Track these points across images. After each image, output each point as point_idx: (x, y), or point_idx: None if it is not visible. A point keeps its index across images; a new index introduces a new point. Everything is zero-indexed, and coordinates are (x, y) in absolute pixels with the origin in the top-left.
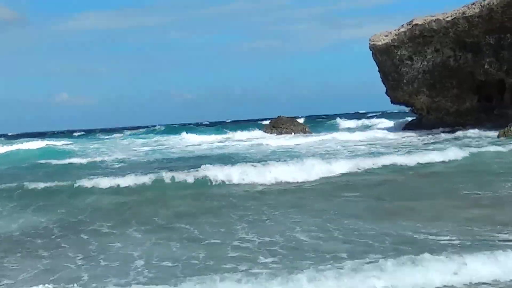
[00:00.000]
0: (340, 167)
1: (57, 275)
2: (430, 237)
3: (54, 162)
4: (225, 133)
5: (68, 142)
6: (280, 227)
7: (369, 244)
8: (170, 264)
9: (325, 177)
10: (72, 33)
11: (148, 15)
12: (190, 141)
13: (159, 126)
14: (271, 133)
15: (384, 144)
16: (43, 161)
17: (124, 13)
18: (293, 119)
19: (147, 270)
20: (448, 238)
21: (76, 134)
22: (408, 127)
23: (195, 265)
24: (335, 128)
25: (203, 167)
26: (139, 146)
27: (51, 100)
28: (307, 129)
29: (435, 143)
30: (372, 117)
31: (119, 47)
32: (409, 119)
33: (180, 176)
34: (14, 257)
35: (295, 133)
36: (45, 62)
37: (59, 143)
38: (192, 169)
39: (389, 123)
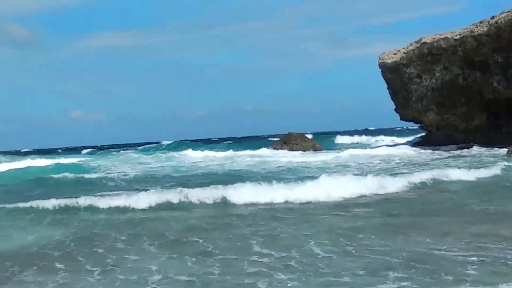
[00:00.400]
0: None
1: None
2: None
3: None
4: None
5: (79, 159)
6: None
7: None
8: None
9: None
10: (85, 52)
11: (161, 34)
12: (198, 157)
13: (165, 142)
14: (281, 149)
15: (402, 161)
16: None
17: (137, 33)
18: (303, 135)
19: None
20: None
21: (85, 150)
22: (418, 143)
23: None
24: (334, 145)
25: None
26: (150, 162)
27: (66, 116)
28: (317, 145)
29: (452, 158)
30: (376, 134)
31: (131, 65)
32: (415, 136)
33: (198, 194)
34: (31, 271)
35: (305, 150)
36: (59, 81)
37: (67, 160)
38: (206, 187)
39: (394, 139)
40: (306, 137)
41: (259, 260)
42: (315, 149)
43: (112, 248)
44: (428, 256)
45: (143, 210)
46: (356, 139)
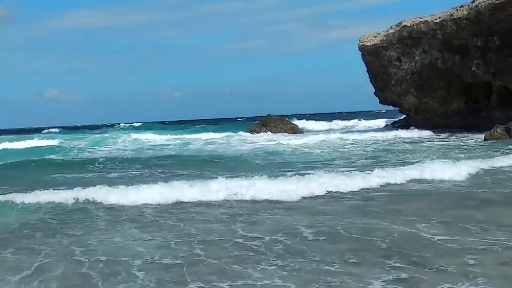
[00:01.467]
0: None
1: None
2: None
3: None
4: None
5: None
6: None
7: None
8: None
9: None
10: (61, 31)
11: (138, 13)
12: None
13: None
14: (259, 132)
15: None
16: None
17: (114, 11)
18: (282, 118)
19: None
20: None
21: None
22: (396, 127)
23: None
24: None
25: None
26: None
27: (40, 97)
28: (296, 128)
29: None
30: (350, 117)
31: (108, 45)
32: (392, 119)
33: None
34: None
35: (285, 132)
36: (34, 60)
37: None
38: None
39: (370, 123)
40: (285, 119)
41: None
42: (294, 131)
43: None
44: None
45: None
46: (327, 125)
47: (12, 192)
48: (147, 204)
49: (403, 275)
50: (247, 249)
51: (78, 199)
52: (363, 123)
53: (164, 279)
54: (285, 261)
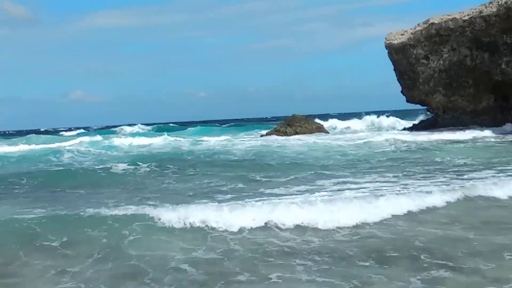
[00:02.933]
0: None
1: None
2: None
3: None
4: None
5: None
6: None
7: None
8: None
9: None
10: (86, 32)
11: (162, 14)
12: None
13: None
14: (285, 132)
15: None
16: None
17: (138, 12)
18: (307, 118)
19: None
20: None
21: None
22: (423, 126)
23: None
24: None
25: None
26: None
27: (66, 97)
28: (322, 128)
29: None
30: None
31: (132, 46)
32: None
33: None
34: None
35: (310, 133)
36: (59, 61)
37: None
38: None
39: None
40: (311, 119)
41: None
42: (320, 131)
43: None
44: None
45: None
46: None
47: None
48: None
49: None
50: None
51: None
52: (398, 122)
53: None
54: None
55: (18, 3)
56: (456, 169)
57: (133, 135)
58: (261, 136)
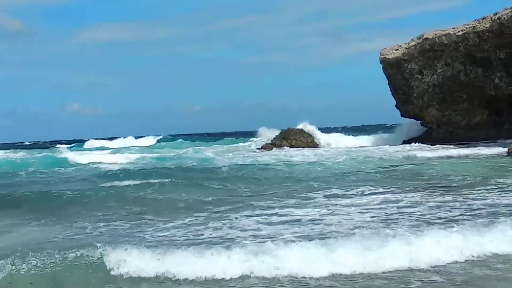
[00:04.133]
0: None
1: None
2: None
3: None
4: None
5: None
6: None
7: None
8: None
9: None
10: (81, 45)
11: (158, 28)
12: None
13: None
14: (280, 145)
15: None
16: None
17: (134, 25)
18: (302, 131)
19: None
20: None
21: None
22: (417, 140)
23: None
24: None
25: None
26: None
27: (62, 110)
28: (315, 141)
29: None
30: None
31: (129, 59)
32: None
33: None
34: None
35: (304, 146)
36: (55, 74)
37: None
38: None
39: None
40: (305, 132)
41: None
42: (314, 145)
43: None
44: None
45: None
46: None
47: None
48: None
49: None
50: None
51: None
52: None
53: None
54: None
55: (13, 16)
56: None
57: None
58: (257, 148)
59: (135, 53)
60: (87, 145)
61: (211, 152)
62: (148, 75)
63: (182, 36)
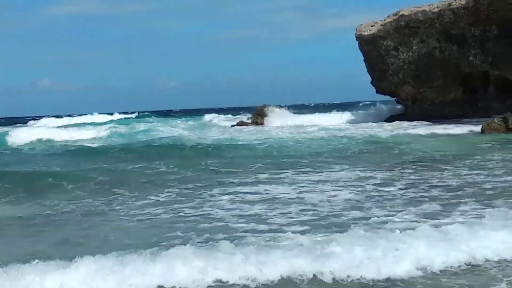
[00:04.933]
0: None
1: None
2: None
3: None
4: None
5: None
6: None
7: None
8: None
9: None
10: (55, 19)
11: (134, 2)
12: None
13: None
14: (256, 122)
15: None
16: None
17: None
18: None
19: None
20: None
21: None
22: (394, 118)
23: None
24: None
25: None
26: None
27: (33, 86)
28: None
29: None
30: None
31: (104, 34)
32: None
33: None
34: None
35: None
36: (26, 49)
37: None
38: None
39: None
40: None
41: None
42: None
43: None
44: None
45: None
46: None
47: None
48: None
49: None
50: None
51: None
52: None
53: None
54: None
55: None
56: None
57: None
58: (232, 126)
59: (108, 28)
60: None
61: (181, 129)
62: (121, 50)
63: (156, 11)
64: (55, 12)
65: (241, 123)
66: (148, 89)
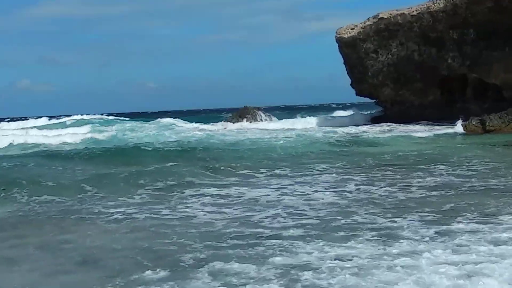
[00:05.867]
0: None
1: None
2: None
3: None
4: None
5: None
6: None
7: None
8: None
9: None
10: (33, 21)
11: (113, 3)
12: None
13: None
14: (237, 122)
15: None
16: None
17: (88, 1)
18: (259, 109)
19: None
20: None
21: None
22: (374, 120)
23: None
24: None
25: None
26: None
27: (12, 87)
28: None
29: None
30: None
31: (83, 35)
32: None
33: None
34: None
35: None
36: (5, 50)
37: None
38: None
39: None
40: (257, 112)
41: None
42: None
43: None
44: None
45: None
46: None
47: None
48: None
49: None
50: None
51: None
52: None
53: None
54: None
55: None
56: None
57: None
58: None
59: (88, 29)
60: None
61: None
62: (101, 51)
63: (137, 13)
64: (35, 13)
65: (223, 124)
66: (128, 90)
